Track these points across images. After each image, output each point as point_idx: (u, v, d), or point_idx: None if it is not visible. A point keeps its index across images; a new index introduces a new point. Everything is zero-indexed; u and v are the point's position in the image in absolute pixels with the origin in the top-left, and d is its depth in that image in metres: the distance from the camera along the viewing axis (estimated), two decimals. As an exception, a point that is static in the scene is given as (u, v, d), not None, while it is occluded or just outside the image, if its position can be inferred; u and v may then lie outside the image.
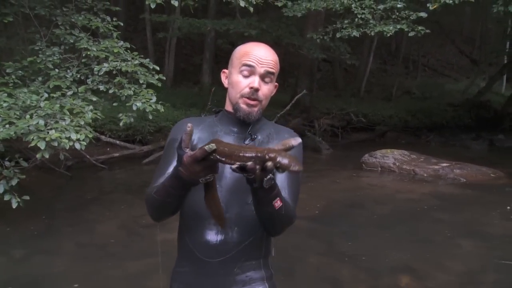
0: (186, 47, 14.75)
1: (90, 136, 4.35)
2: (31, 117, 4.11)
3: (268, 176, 1.10)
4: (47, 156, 4.00)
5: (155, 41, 12.56)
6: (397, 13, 7.22)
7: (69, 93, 4.78)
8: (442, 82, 17.81)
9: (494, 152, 10.93)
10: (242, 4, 5.55)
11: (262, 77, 1.37)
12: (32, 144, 3.86)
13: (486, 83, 16.29)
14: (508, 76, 17.79)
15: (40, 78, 4.98)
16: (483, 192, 6.37)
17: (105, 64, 4.92)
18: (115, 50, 5.04)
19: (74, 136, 4.08)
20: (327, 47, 9.97)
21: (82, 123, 4.36)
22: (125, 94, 4.87)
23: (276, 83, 1.46)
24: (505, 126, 13.41)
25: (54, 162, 5.95)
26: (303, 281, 3.61)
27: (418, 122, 13.04)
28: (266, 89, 1.39)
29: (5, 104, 4.18)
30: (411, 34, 7.20)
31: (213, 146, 1.06)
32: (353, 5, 7.18)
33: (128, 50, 5.24)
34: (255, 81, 1.35)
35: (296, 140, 1.13)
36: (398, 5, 7.05)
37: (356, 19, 7.28)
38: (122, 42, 5.30)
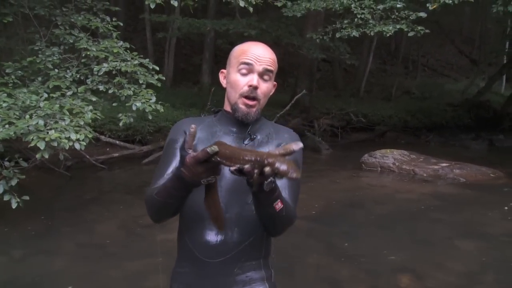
0: (185, 47, 14.76)
1: (90, 136, 4.35)
2: (30, 117, 4.10)
3: (269, 180, 1.09)
4: (46, 156, 3.99)
5: (155, 41, 12.57)
6: (397, 13, 7.23)
7: (69, 93, 4.78)
8: (441, 82, 17.82)
9: (493, 152, 10.94)
10: (242, 4, 5.56)
11: (261, 75, 1.37)
12: (32, 144, 3.86)
13: (485, 83, 16.30)
14: (507, 76, 17.80)
15: (39, 78, 4.97)
16: (483, 192, 6.37)
17: (105, 64, 4.92)
18: (115, 50, 5.04)
19: (73, 136, 4.08)
20: (327, 47, 9.97)
21: (82, 123, 4.36)
22: (125, 94, 4.87)
23: (275, 83, 1.45)
24: (505, 126, 13.42)
25: (53, 162, 5.95)
26: (303, 281, 3.61)
27: (417, 122, 13.05)
28: (265, 88, 1.39)
29: (4, 104, 4.18)
30: (411, 34, 7.20)
31: (215, 148, 1.06)
32: (352, 5, 7.19)
33: (128, 50, 5.24)
34: (253, 79, 1.35)
35: (298, 145, 1.12)
36: (398, 5, 7.06)
37: (356, 19, 7.29)
38: (121, 42, 5.30)
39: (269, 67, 1.37)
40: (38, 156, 4.00)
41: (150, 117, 5.10)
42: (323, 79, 16.21)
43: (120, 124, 5.12)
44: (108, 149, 7.81)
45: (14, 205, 3.99)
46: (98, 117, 4.81)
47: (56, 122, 4.16)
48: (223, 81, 1.46)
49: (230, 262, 1.36)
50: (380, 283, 3.62)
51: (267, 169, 1.02)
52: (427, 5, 6.96)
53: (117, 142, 7.91)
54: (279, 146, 1.41)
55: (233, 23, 9.52)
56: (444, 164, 7.49)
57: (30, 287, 3.42)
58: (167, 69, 12.07)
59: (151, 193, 1.30)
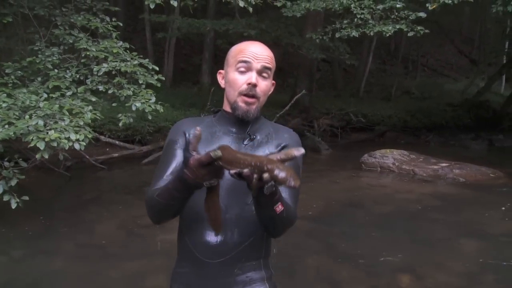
0: (185, 47, 14.76)
1: (90, 136, 4.35)
2: (30, 117, 4.10)
3: (269, 183, 1.09)
4: (46, 156, 3.99)
5: (155, 41, 12.56)
6: (396, 13, 7.23)
7: (69, 93, 4.78)
8: (441, 82, 17.82)
9: (493, 152, 10.94)
10: (242, 4, 5.56)
11: (259, 72, 1.36)
12: (32, 145, 3.86)
13: (485, 83, 16.30)
14: (507, 76, 17.80)
15: (39, 79, 4.97)
16: (483, 192, 6.37)
17: (105, 65, 4.92)
18: (115, 50, 5.04)
19: (73, 137, 4.08)
20: (327, 47, 9.97)
21: (82, 123, 4.36)
22: (125, 95, 4.87)
23: (273, 81, 1.45)
24: (504, 126, 13.41)
25: (53, 162, 5.94)
26: (302, 281, 3.61)
27: (417, 122, 13.05)
28: (264, 85, 1.38)
29: (4, 105, 4.18)
30: (410, 34, 7.21)
31: (218, 153, 1.06)
32: (352, 5, 7.19)
33: (128, 50, 5.24)
34: (252, 76, 1.35)
35: (299, 151, 1.12)
36: (397, 5, 7.06)
37: (355, 19, 7.29)
38: (121, 42, 5.30)
39: (267, 65, 1.37)
40: (37, 156, 4.00)
41: (149, 117, 5.11)
42: (323, 79, 16.21)
43: (120, 124, 5.12)
44: (107, 149, 7.81)
45: (13, 205, 3.99)
46: (98, 117, 4.81)
47: (55, 122, 4.16)
48: (221, 82, 1.45)
49: (230, 263, 1.36)
50: (380, 283, 3.62)
51: (265, 175, 1.02)
52: (427, 5, 6.97)
53: (117, 142, 7.90)
54: (279, 147, 1.41)
55: (232, 23, 9.53)
56: (443, 164, 7.49)
57: (30, 287, 3.42)
58: (166, 69, 12.07)
59: (152, 194, 1.29)
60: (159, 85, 5.29)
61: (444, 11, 10.34)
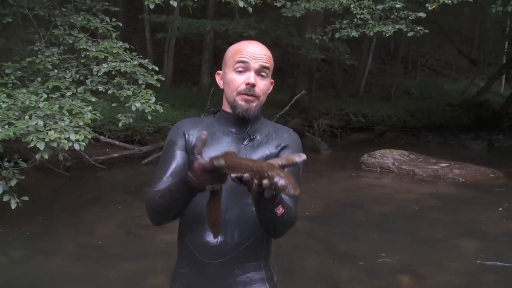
0: (185, 47, 14.76)
1: (89, 136, 4.35)
2: (30, 117, 4.10)
3: (269, 189, 1.10)
4: (46, 156, 3.99)
5: (154, 42, 12.56)
6: (396, 13, 7.23)
7: (68, 93, 4.78)
8: (441, 82, 17.81)
9: (493, 152, 10.94)
10: (241, 4, 5.56)
11: (258, 72, 1.36)
12: (31, 145, 3.86)
13: (485, 83, 16.29)
14: (507, 76, 17.80)
15: (39, 79, 4.97)
16: (482, 192, 6.37)
17: (104, 65, 4.92)
18: (114, 51, 5.04)
19: (73, 137, 4.08)
20: (326, 47, 9.97)
21: (81, 123, 4.36)
22: (124, 95, 4.87)
23: (272, 80, 1.44)
24: (504, 126, 13.40)
25: (53, 162, 5.94)
26: (302, 281, 3.61)
27: (417, 122, 13.04)
28: (263, 85, 1.38)
29: (4, 105, 4.18)
30: (410, 34, 7.21)
31: (221, 162, 1.07)
32: (352, 5, 7.19)
33: (127, 51, 5.24)
34: (250, 76, 1.34)
35: (300, 157, 1.12)
36: (397, 5, 7.06)
37: (355, 19, 7.29)
38: (121, 42, 5.30)
39: (265, 64, 1.36)
40: (37, 156, 4.00)
41: (149, 118, 5.11)
42: (323, 79, 16.21)
43: (120, 124, 5.12)
44: (107, 149, 7.81)
45: (13, 206, 3.99)
46: (98, 118, 4.81)
47: (55, 123, 4.16)
48: (220, 82, 1.45)
49: (231, 263, 1.36)
50: (379, 283, 3.62)
51: (265, 181, 1.03)
52: (427, 5, 6.97)
53: (117, 142, 7.90)
54: (279, 147, 1.41)
55: (232, 24, 9.52)
56: (443, 164, 7.49)
57: (29, 287, 3.42)
58: (166, 69, 12.07)
59: (153, 196, 1.29)
60: (158, 85, 5.29)
61: (443, 11, 10.33)
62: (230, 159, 1.09)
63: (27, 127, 3.94)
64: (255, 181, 1.05)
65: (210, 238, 1.34)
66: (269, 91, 1.43)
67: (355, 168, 7.89)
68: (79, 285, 3.45)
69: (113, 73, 4.97)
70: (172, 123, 6.64)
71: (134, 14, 13.15)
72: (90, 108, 4.64)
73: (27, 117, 4.12)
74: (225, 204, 1.32)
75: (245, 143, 1.40)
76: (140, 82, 5.04)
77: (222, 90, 1.44)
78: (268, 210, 1.21)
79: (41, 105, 4.29)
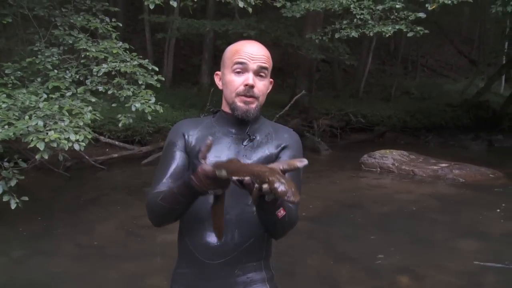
0: (185, 47, 14.75)
1: (89, 137, 4.35)
2: (30, 118, 4.10)
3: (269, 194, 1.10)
4: (46, 157, 3.99)
5: (154, 42, 12.56)
6: (396, 14, 7.23)
7: (68, 94, 4.78)
8: (440, 83, 17.81)
9: (493, 152, 10.94)
10: (241, 4, 5.56)
11: (256, 73, 1.35)
12: (31, 145, 3.86)
13: (484, 84, 16.29)
14: (506, 76, 17.79)
15: (39, 79, 4.97)
16: (482, 193, 6.37)
17: (104, 65, 4.92)
18: (114, 51, 5.04)
19: (73, 137, 4.08)
20: (326, 47, 9.97)
21: (81, 124, 4.36)
22: (124, 95, 4.87)
23: (271, 79, 1.44)
24: (504, 126, 13.39)
25: (53, 163, 5.94)
26: (302, 282, 3.61)
27: (417, 123, 13.04)
28: (262, 85, 1.37)
29: (4, 105, 4.18)
30: (410, 34, 7.20)
31: (224, 173, 1.08)
32: (352, 6, 7.19)
33: (127, 51, 5.24)
34: (249, 78, 1.34)
35: (302, 162, 1.12)
36: (397, 6, 7.05)
37: (355, 20, 7.29)
38: (121, 42, 5.30)
39: (263, 64, 1.36)
40: (37, 156, 4.01)
41: (149, 118, 5.11)
42: (322, 80, 16.21)
43: (120, 124, 5.13)
44: (107, 149, 7.81)
45: (13, 206, 3.99)
46: (98, 118, 4.81)
47: (55, 123, 4.16)
48: (218, 83, 1.44)
49: (231, 264, 1.36)
50: (379, 283, 3.62)
51: (265, 186, 1.03)
52: (426, 5, 6.97)
53: (117, 142, 7.90)
54: (279, 147, 1.41)
55: (232, 24, 9.52)
56: (443, 165, 7.49)
57: (29, 287, 3.42)
58: (166, 69, 12.07)
59: (154, 198, 1.29)
60: (158, 85, 5.29)
61: (443, 12, 10.34)
62: (232, 165, 1.11)
63: (27, 127, 3.94)
64: (256, 185, 1.05)
65: (210, 238, 1.34)
66: (268, 91, 1.43)
67: (355, 168, 7.89)
68: (79, 285, 3.45)
69: (113, 73, 4.97)
70: (172, 123, 6.65)
71: (134, 14, 13.15)
72: (90, 108, 4.65)
73: (27, 117, 4.13)
74: (226, 204, 1.31)
75: (245, 143, 1.40)
76: (140, 82, 5.04)
77: (221, 91, 1.44)
78: (269, 213, 1.21)
79: (41, 105, 4.29)
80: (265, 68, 1.36)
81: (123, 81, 4.96)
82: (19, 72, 4.91)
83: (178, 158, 1.38)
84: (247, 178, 1.06)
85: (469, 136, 12.15)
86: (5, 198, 3.99)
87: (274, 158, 1.39)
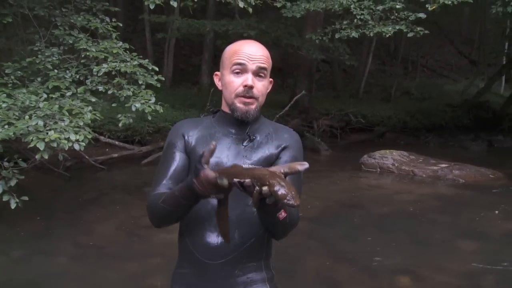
0: (185, 47, 14.75)
1: (89, 136, 4.35)
2: (30, 117, 4.10)
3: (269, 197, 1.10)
4: (46, 156, 3.99)
5: (154, 42, 12.56)
6: (396, 14, 7.22)
7: (68, 93, 4.78)
8: (441, 83, 17.80)
9: (493, 153, 10.93)
10: (241, 4, 5.55)
11: (255, 73, 1.35)
12: (31, 145, 3.86)
13: (485, 84, 16.28)
14: (506, 76, 17.78)
15: (39, 79, 4.97)
16: (482, 193, 6.37)
17: (104, 65, 4.92)
18: (114, 51, 5.04)
19: (73, 137, 4.08)
20: (326, 47, 9.97)
21: (81, 123, 4.36)
22: (124, 95, 4.87)
23: (271, 79, 1.43)
24: (504, 126, 13.38)
25: (53, 162, 5.94)
26: (302, 282, 3.61)
27: (417, 123, 13.03)
28: (261, 85, 1.37)
29: (4, 105, 4.18)
30: (410, 35, 7.20)
31: (225, 182, 1.08)
32: (352, 6, 7.18)
33: (127, 51, 5.24)
34: (248, 78, 1.33)
35: (303, 166, 1.12)
36: (397, 6, 7.05)
37: (355, 20, 7.29)
38: (121, 42, 5.30)
39: (262, 65, 1.35)
40: (37, 156, 4.00)
41: (149, 118, 5.11)
42: (323, 80, 16.20)
43: (120, 124, 5.13)
44: (107, 149, 7.80)
45: (13, 206, 3.99)
46: (98, 118, 4.81)
47: (55, 123, 4.16)
48: (218, 84, 1.44)
49: (231, 264, 1.36)
50: (379, 284, 3.62)
51: (265, 188, 1.03)
52: (427, 5, 6.97)
53: (117, 142, 7.90)
54: (279, 148, 1.41)
55: (232, 24, 9.52)
56: (443, 165, 7.49)
57: (29, 287, 3.41)
58: (166, 69, 12.07)
59: (155, 200, 1.29)
60: (158, 85, 5.29)
61: (443, 12, 10.34)
62: (235, 169, 1.12)
63: (27, 127, 3.94)
64: (256, 188, 1.06)
65: (211, 238, 1.35)
66: (268, 91, 1.42)
67: (354, 168, 7.88)
68: (79, 285, 3.45)
69: (113, 73, 4.97)
70: (172, 123, 6.65)
71: (134, 14, 13.15)
72: (90, 108, 4.65)
73: (27, 117, 4.12)
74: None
75: (245, 143, 1.39)
76: (140, 82, 5.04)
77: (221, 91, 1.43)
78: (270, 215, 1.21)
79: (41, 105, 4.29)
80: (264, 68, 1.36)
81: (123, 81, 4.96)
82: (19, 72, 4.91)
83: (178, 159, 1.38)
84: (247, 181, 1.06)
85: (469, 137, 12.14)
86: (5, 198, 3.98)
87: (274, 158, 1.39)
